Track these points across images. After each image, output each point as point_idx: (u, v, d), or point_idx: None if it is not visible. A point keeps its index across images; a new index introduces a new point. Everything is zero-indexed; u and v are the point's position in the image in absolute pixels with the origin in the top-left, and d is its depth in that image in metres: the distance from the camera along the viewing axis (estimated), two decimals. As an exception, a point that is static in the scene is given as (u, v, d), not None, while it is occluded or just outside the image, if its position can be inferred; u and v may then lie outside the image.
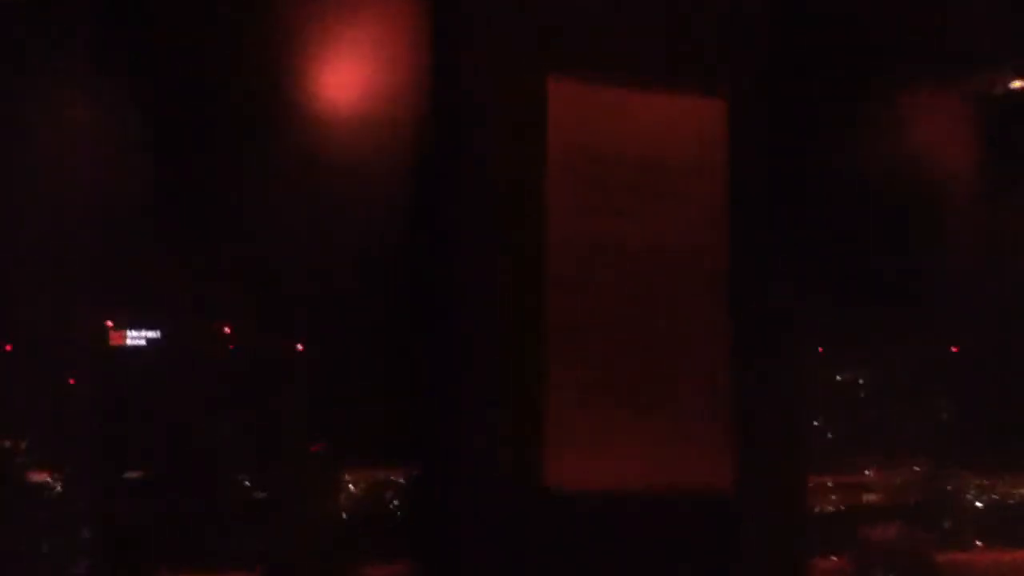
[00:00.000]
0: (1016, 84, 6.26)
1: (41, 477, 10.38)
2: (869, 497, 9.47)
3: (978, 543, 9.68)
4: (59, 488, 10.37)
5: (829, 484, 9.22)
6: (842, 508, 8.85)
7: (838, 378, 11.14)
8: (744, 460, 1.76)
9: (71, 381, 11.72)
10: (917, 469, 10.21)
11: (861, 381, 11.31)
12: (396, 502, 10.34)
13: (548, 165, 1.77)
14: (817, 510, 8.59)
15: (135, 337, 12.46)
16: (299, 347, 12.17)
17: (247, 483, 11.00)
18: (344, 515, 10.74)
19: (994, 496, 10.30)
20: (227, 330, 12.65)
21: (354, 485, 10.98)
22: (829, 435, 10.81)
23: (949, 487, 10.35)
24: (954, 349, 11.19)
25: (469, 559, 1.67)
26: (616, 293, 1.78)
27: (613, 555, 1.70)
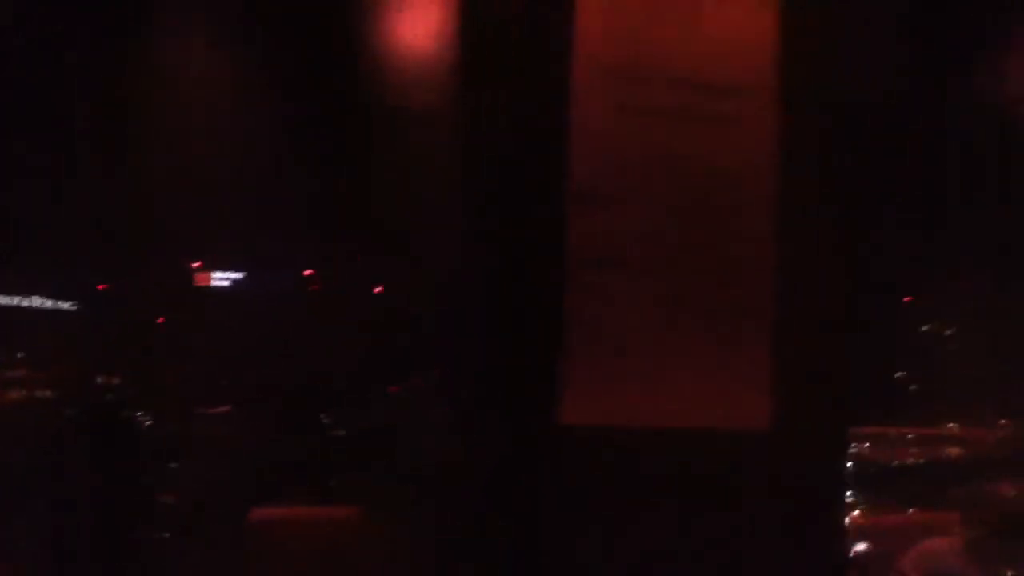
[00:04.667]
0: None
1: (131, 412, 10.71)
2: (952, 451, 9.23)
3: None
4: (148, 423, 10.67)
5: (909, 436, 9.00)
6: (921, 461, 8.64)
7: (923, 328, 10.83)
8: (783, 394, 1.71)
9: (160, 320, 12.07)
10: (1004, 423, 9.91)
11: (948, 333, 10.98)
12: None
13: (576, 76, 1.67)
14: (896, 463, 8.38)
15: (220, 279, 12.75)
16: (376, 290, 12.33)
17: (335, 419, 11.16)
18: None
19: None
20: (309, 272, 12.88)
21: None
22: (912, 387, 10.53)
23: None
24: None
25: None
26: (650, 215, 1.72)
27: (645, 493, 1.67)
